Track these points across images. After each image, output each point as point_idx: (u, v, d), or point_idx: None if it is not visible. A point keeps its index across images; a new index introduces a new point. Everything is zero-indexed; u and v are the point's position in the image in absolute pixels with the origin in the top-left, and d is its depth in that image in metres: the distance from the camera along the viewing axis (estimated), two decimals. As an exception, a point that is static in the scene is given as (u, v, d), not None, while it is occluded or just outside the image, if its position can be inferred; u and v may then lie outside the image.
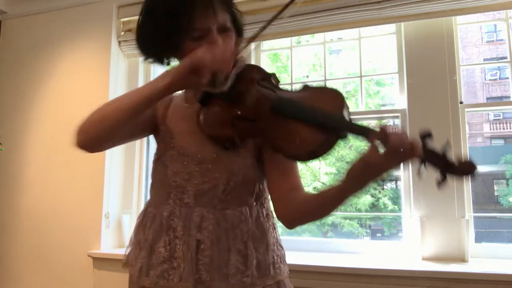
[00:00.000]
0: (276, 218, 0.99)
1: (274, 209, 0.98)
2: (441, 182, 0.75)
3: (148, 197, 1.06)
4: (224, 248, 0.91)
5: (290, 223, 0.95)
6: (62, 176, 2.57)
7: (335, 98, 0.86)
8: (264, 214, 1.00)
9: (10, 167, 2.72)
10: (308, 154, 0.82)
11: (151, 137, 1.08)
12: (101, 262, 2.35)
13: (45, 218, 2.56)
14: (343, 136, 0.81)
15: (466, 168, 0.75)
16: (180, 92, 1.01)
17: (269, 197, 1.01)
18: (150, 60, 0.99)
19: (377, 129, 0.76)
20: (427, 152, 0.74)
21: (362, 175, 0.78)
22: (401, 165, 0.74)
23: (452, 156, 0.76)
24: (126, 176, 2.61)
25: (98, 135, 0.88)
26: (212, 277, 0.89)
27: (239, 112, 0.89)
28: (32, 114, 2.73)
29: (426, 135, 0.75)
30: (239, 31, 0.97)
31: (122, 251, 2.47)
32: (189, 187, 0.94)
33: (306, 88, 0.92)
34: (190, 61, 0.79)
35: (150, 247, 0.94)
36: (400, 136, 0.73)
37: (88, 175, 2.50)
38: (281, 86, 0.96)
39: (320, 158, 0.83)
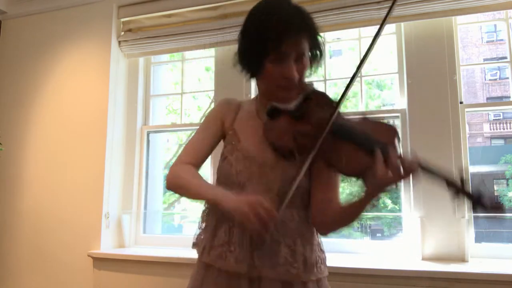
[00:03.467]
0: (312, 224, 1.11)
1: (312, 216, 1.09)
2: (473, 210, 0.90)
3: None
4: (275, 240, 1.03)
5: (325, 230, 1.11)
6: (62, 176, 2.57)
7: (388, 130, 1.00)
8: (309, 220, 1.12)
9: (10, 167, 2.72)
10: (355, 174, 0.97)
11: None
12: (101, 262, 2.35)
13: (45, 218, 2.57)
14: None
15: (495, 207, 0.88)
16: (249, 100, 1.24)
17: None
18: (245, 74, 1.13)
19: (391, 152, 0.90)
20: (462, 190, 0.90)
21: (380, 188, 0.93)
22: (400, 181, 0.91)
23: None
24: (126, 176, 2.61)
25: (180, 193, 1.16)
26: (264, 263, 1.02)
27: (303, 128, 1.02)
28: (32, 114, 2.73)
29: (463, 179, 0.91)
30: (315, 56, 1.11)
31: (122, 251, 2.48)
32: (248, 185, 1.07)
33: (365, 119, 1.05)
34: (240, 216, 0.95)
35: (213, 231, 1.09)
36: (401, 159, 0.90)
37: (88, 175, 2.50)
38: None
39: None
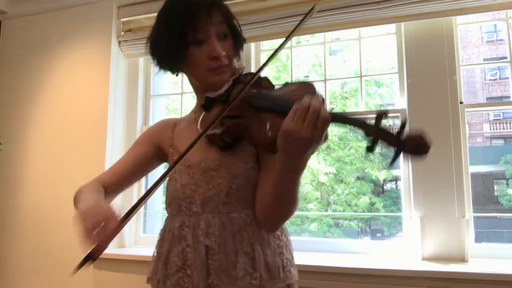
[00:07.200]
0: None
1: (255, 209, 0.97)
2: (392, 161, 0.74)
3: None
4: (231, 251, 0.93)
5: (265, 225, 0.96)
6: (62, 175, 2.57)
7: (304, 87, 0.90)
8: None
9: (10, 167, 2.72)
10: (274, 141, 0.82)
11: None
12: (101, 262, 2.35)
13: (45, 218, 2.56)
14: None
15: (416, 146, 0.72)
16: (188, 114, 1.14)
17: None
18: (164, 70, 1.06)
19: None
20: (376, 128, 0.76)
21: (286, 144, 0.78)
22: (317, 131, 0.76)
23: (404, 133, 0.74)
24: (126, 176, 2.60)
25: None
26: (221, 280, 0.91)
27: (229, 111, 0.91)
28: (32, 114, 2.73)
29: (380, 114, 0.77)
30: (237, 42, 1.04)
31: (122, 251, 2.48)
32: (196, 196, 0.98)
33: (286, 84, 0.97)
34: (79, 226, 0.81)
35: (166, 258, 0.99)
36: (309, 101, 0.76)
37: (88, 175, 2.48)
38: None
39: None
